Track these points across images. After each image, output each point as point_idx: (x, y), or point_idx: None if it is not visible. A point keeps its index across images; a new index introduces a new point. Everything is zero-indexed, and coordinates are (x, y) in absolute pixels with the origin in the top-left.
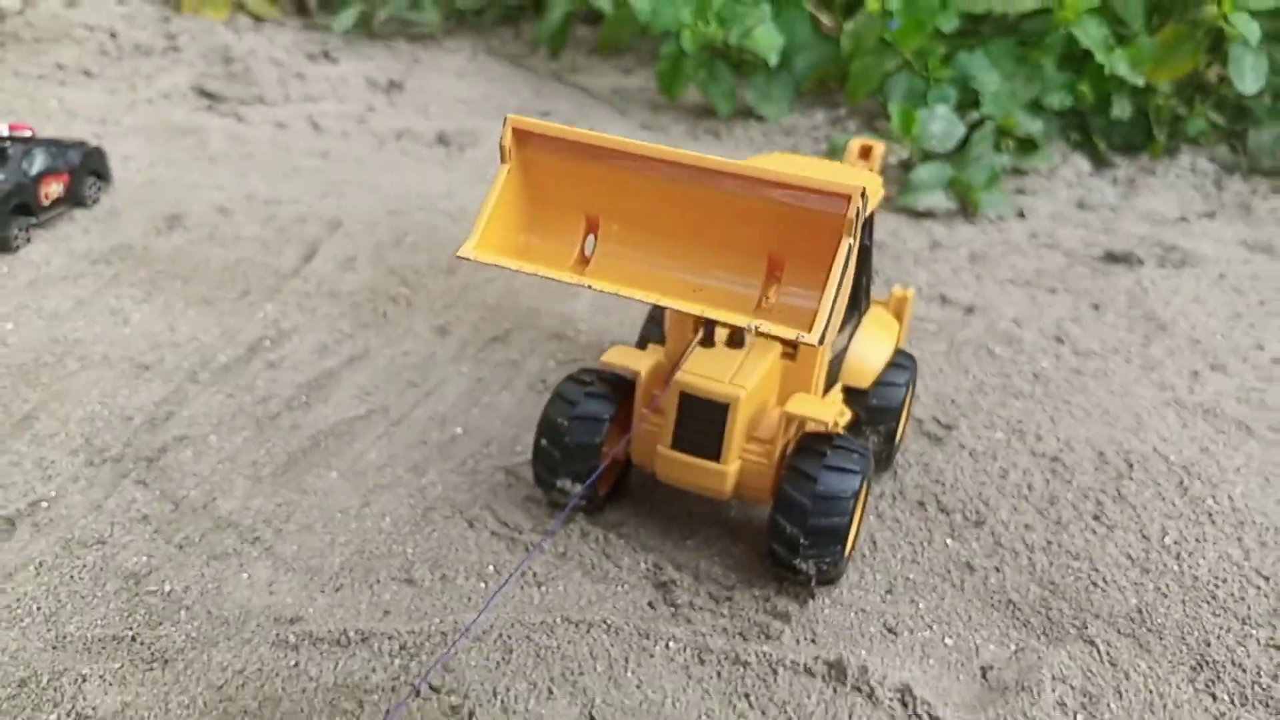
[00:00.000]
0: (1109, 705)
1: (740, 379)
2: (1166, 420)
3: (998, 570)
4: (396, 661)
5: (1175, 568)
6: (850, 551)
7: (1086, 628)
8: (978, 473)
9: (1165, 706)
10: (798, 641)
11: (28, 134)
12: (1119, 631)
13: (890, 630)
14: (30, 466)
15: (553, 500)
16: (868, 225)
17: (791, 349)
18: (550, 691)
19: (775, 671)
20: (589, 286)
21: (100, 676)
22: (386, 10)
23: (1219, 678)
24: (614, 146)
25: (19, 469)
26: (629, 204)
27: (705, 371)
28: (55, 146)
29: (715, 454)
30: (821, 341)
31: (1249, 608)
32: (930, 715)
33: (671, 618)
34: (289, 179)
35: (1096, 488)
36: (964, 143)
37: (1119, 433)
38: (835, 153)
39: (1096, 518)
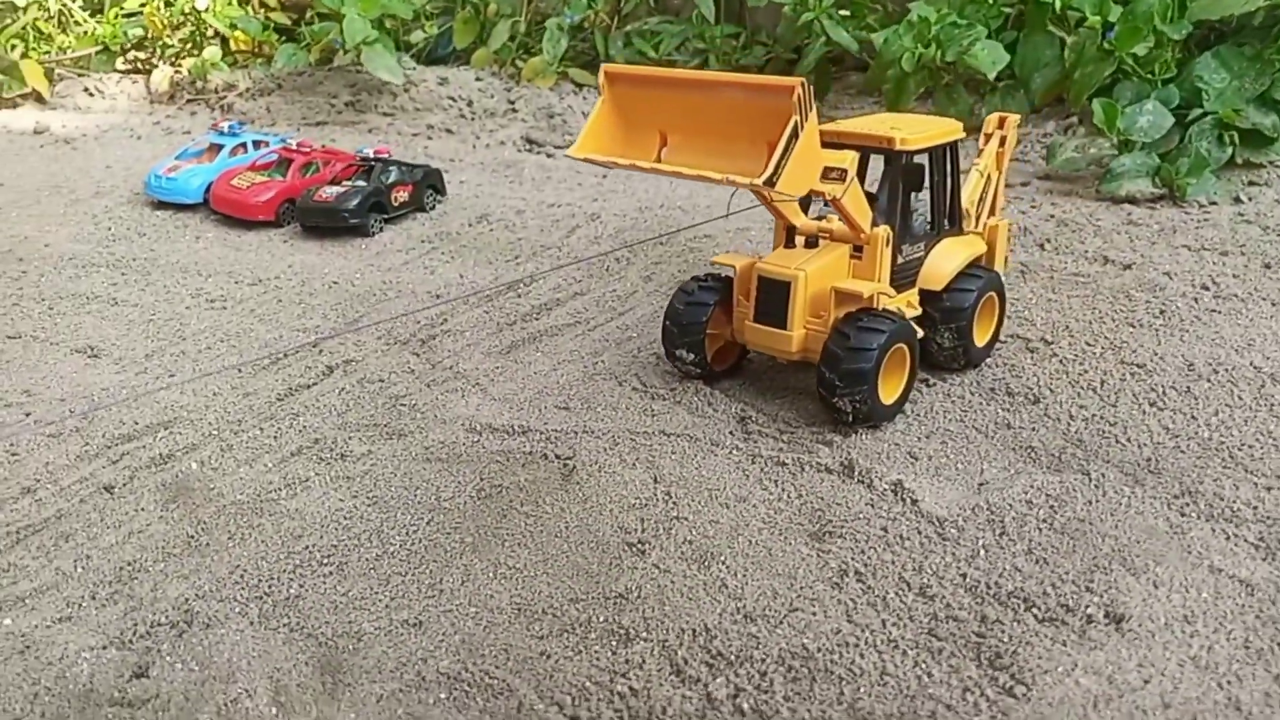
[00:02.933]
0: (1073, 507)
1: (803, 265)
2: None
3: (1033, 429)
4: (540, 444)
5: (1205, 435)
6: (894, 402)
7: (1088, 466)
8: (1057, 373)
9: (1126, 512)
10: (830, 456)
11: (386, 155)
12: (1120, 471)
13: (912, 456)
14: (350, 343)
15: (675, 368)
16: (945, 157)
17: (857, 250)
18: (634, 465)
19: (803, 470)
20: (646, 168)
21: (360, 440)
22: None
23: (1194, 501)
24: (664, 75)
25: (345, 344)
26: (681, 119)
27: (778, 261)
28: (406, 165)
29: (783, 323)
30: (769, 184)
31: (1264, 464)
32: (911, 499)
33: (742, 438)
34: (572, 191)
35: (1167, 384)
36: (1182, 138)
37: (1222, 351)
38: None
39: (1153, 403)
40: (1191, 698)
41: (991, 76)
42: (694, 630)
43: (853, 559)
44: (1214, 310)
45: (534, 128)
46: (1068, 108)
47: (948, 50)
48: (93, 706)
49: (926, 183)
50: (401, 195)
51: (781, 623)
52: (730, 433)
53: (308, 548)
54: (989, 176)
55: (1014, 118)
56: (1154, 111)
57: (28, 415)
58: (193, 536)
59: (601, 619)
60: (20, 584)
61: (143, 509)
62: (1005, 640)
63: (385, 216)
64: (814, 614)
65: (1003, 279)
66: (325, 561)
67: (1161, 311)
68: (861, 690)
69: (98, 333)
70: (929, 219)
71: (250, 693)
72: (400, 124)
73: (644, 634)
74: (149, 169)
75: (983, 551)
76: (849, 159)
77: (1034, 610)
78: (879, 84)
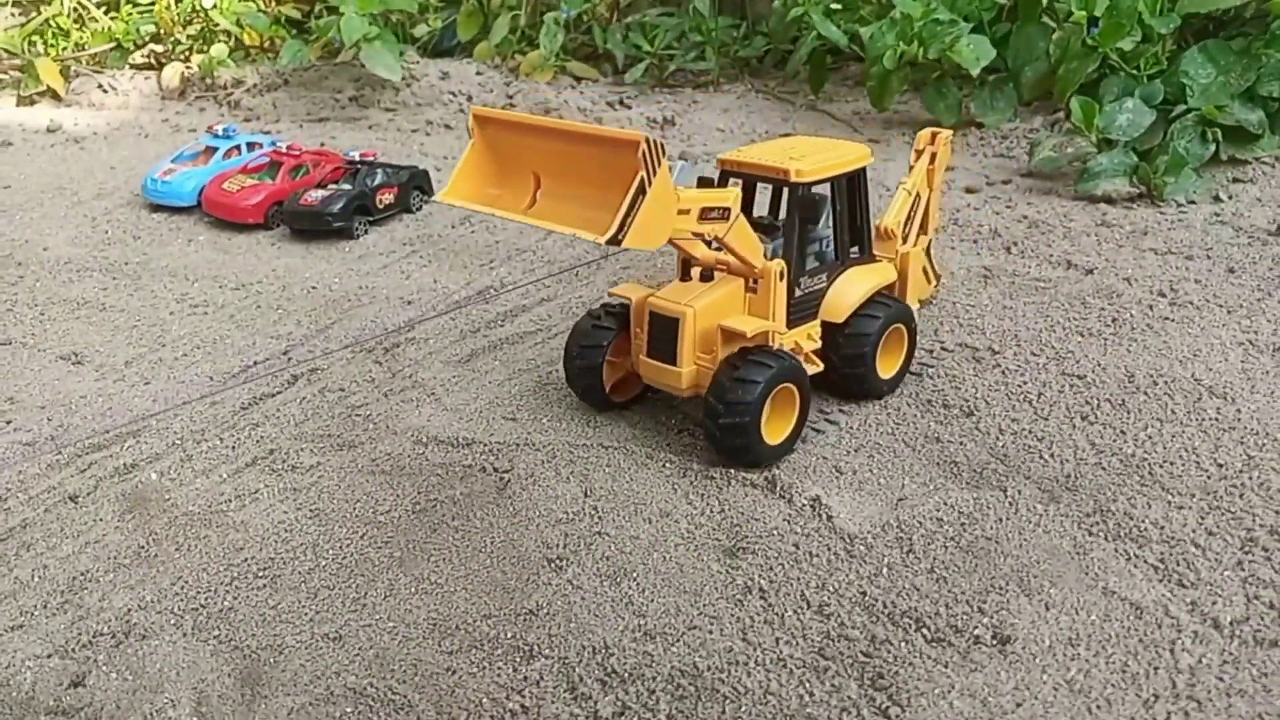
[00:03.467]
0: (983, 525)
1: (692, 301)
2: (1227, 357)
3: (960, 443)
4: (482, 456)
5: (1129, 451)
6: (781, 443)
7: (1007, 482)
8: (996, 384)
9: (1035, 531)
10: (759, 472)
11: (371, 158)
12: (1038, 487)
13: (837, 470)
14: (318, 351)
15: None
16: (850, 185)
17: (752, 283)
18: (568, 479)
19: (729, 483)
20: (507, 217)
21: (312, 451)
22: (675, 63)
23: (1104, 521)
24: (529, 122)
25: (313, 353)
26: (551, 164)
27: (670, 296)
28: (391, 168)
29: (673, 358)
30: (611, 242)
31: (1181, 483)
32: (827, 515)
33: (677, 451)
34: None
35: (1104, 397)
36: (1165, 135)
37: (1166, 361)
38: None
39: (1084, 417)
40: None
41: (975, 73)
42: (594, 648)
43: (759, 576)
44: (1167, 318)
45: None
46: (1055, 102)
47: (930, 47)
48: (31, 714)
49: (829, 212)
50: (387, 198)
51: (678, 641)
52: (667, 445)
53: (246, 560)
54: (917, 195)
55: (946, 133)
56: (1134, 109)
57: (9, 423)
58: (143, 547)
59: (509, 635)
60: None
61: (101, 519)
62: (890, 660)
63: (370, 219)
64: (710, 632)
65: (913, 310)
66: (260, 574)
67: (1114, 320)
68: (743, 709)
69: (84, 339)
70: (833, 248)
71: (175, 703)
72: (401, 120)
73: (546, 651)
74: (149, 170)
75: (886, 570)
76: (732, 196)
77: (924, 630)
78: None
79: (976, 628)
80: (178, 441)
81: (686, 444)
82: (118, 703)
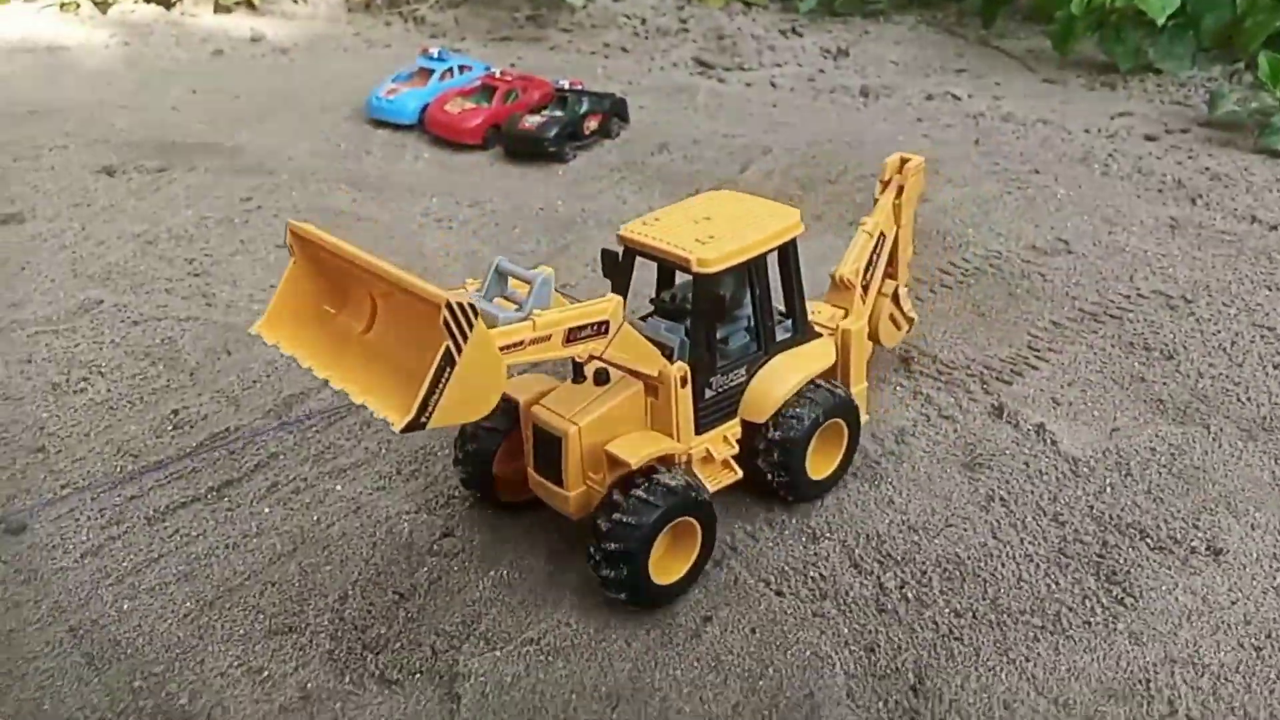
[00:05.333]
0: (1191, 456)
1: (580, 415)
2: None
3: (1164, 383)
4: None
5: None
6: (677, 581)
7: (1209, 419)
8: (1192, 331)
9: (1237, 464)
10: (983, 398)
11: (579, 87)
12: (1237, 426)
13: (1055, 401)
14: (561, 269)
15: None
16: (785, 260)
17: (653, 389)
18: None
19: (958, 408)
20: (312, 369)
21: None
22: None
23: None
24: (343, 252)
25: (559, 271)
26: (382, 298)
27: (556, 405)
28: (596, 96)
29: (559, 480)
30: (411, 428)
31: None
32: (1051, 440)
33: (905, 376)
34: (744, 122)
35: None
36: None
37: None
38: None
39: (1277, 366)
40: (1269, 618)
41: (1160, 21)
42: (867, 535)
43: (998, 487)
44: None
45: (704, 49)
46: (1235, 52)
47: None
48: (416, 555)
49: (750, 295)
50: (592, 124)
51: (938, 535)
52: (894, 371)
53: None
54: (880, 235)
55: (917, 160)
56: None
57: None
58: None
59: (793, 522)
60: (340, 458)
61: None
62: (1121, 562)
63: (578, 144)
64: (964, 530)
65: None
66: None
67: None
68: (1001, 591)
69: None
70: (754, 337)
71: (532, 551)
72: (579, 41)
73: (828, 535)
74: (364, 85)
75: (1109, 489)
76: (611, 308)
77: (1147, 540)
78: (1048, 11)
79: (1193, 540)
80: None
81: (913, 371)
82: (484, 550)
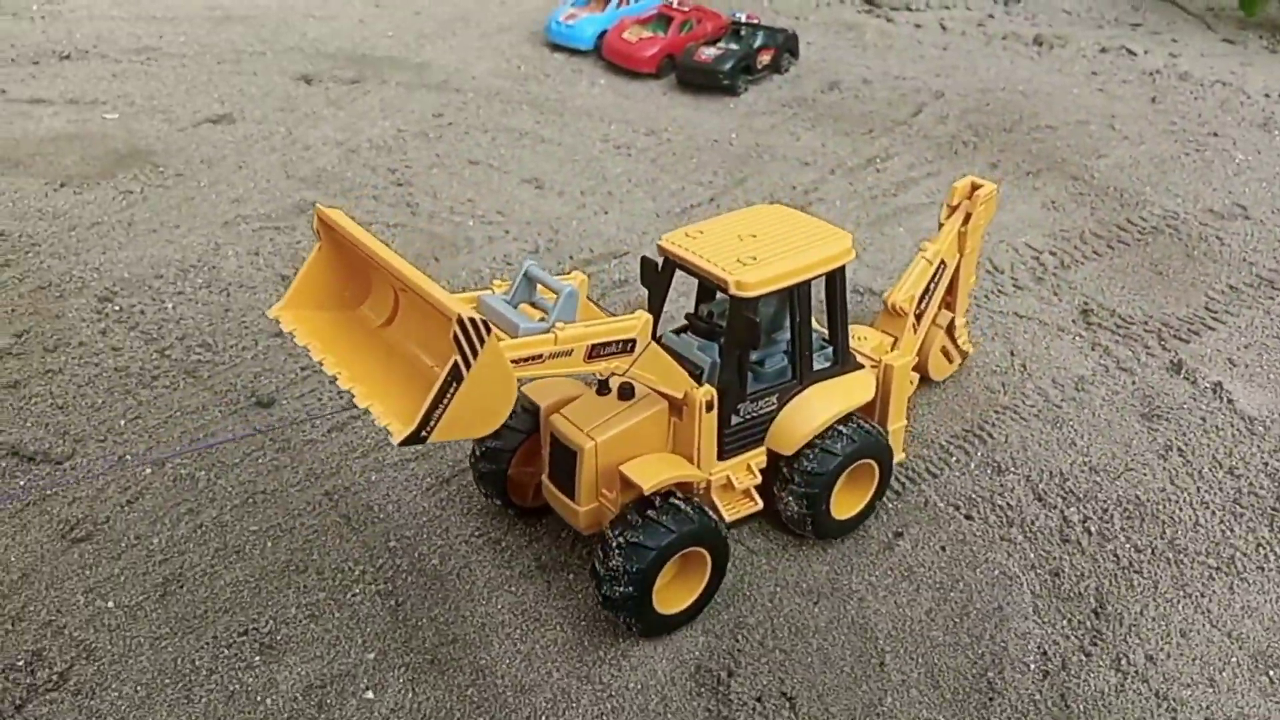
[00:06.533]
0: None
1: (599, 430)
2: None
3: None
4: None
5: None
6: (681, 612)
7: None
8: None
9: None
10: (1161, 354)
11: (755, 20)
12: None
13: (1231, 362)
14: (740, 200)
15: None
16: (833, 288)
17: (678, 408)
18: (991, 338)
19: (1136, 362)
20: (324, 367)
21: None
22: None
23: None
24: (370, 249)
25: (736, 201)
26: (402, 295)
27: (576, 417)
28: (769, 30)
29: (571, 493)
30: (410, 441)
31: None
32: (1228, 398)
33: (1084, 327)
34: (915, 64)
35: None
36: None
37: None
38: None
39: None
40: None
41: None
42: (1050, 472)
43: (1175, 439)
44: None
45: None
46: None
47: None
48: None
49: (787, 321)
50: (764, 58)
51: (1119, 477)
52: (1073, 321)
53: None
54: (942, 264)
55: (989, 188)
56: None
57: (507, 233)
58: None
59: (979, 454)
60: None
61: None
62: None
63: (750, 78)
64: (1144, 474)
65: (891, 436)
66: None
67: None
68: (1179, 533)
69: (536, 166)
70: (790, 365)
71: None
72: None
73: (1012, 469)
74: (539, 5)
75: None
76: (638, 326)
77: None
78: None
79: None
80: None
81: (1092, 323)
82: None
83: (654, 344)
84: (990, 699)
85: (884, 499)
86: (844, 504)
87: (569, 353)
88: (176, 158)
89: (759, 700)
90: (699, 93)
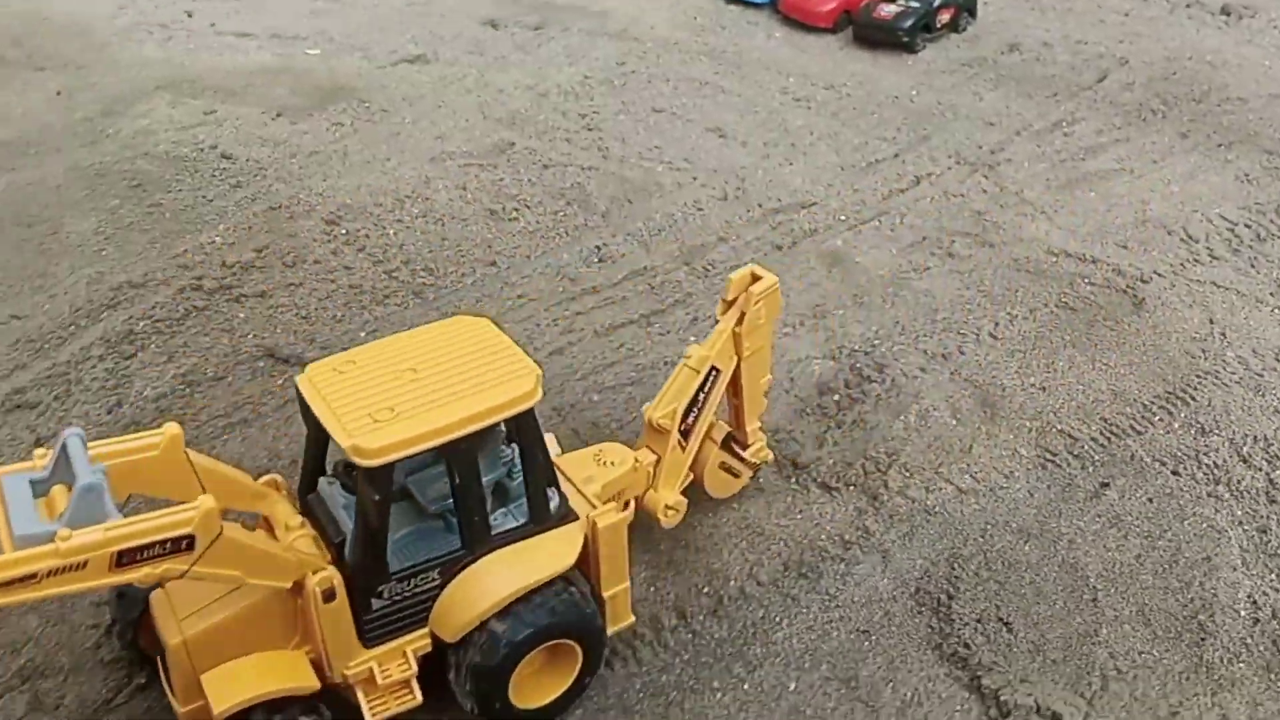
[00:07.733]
0: None
1: (196, 619)
2: None
3: None
4: (1108, 274)
5: None
6: None
7: None
8: None
9: None
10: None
11: None
12: None
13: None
14: (925, 158)
15: None
16: (524, 432)
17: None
18: (1189, 305)
19: None
20: None
21: (960, 243)
22: None
23: None
24: None
25: (921, 159)
26: None
27: (180, 596)
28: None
29: (170, 688)
30: None
31: None
32: None
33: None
34: (1096, 28)
35: None
36: None
37: None
38: None
39: None
40: None
41: None
42: (1254, 436)
43: None
44: None
45: None
46: None
47: None
48: (829, 394)
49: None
50: (944, 17)
51: None
52: (1271, 294)
53: (946, 320)
54: (711, 371)
55: (769, 280)
56: None
57: (694, 179)
58: (855, 295)
59: (1183, 415)
60: None
61: (812, 268)
62: None
63: (929, 36)
64: None
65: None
66: (964, 333)
67: None
68: None
69: (718, 116)
70: (458, 531)
71: (935, 408)
72: None
73: (1216, 431)
74: None
75: None
76: (197, 518)
77: None
78: None
79: None
80: (841, 218)
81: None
82: (889, 402)
83: (239, 530)
84: (1202, 639)
85: (1102, 442)
86: (532, 692)
87: (82, 565)
88: (379, 94)
89: (979, 622)
90: (875, 49)
